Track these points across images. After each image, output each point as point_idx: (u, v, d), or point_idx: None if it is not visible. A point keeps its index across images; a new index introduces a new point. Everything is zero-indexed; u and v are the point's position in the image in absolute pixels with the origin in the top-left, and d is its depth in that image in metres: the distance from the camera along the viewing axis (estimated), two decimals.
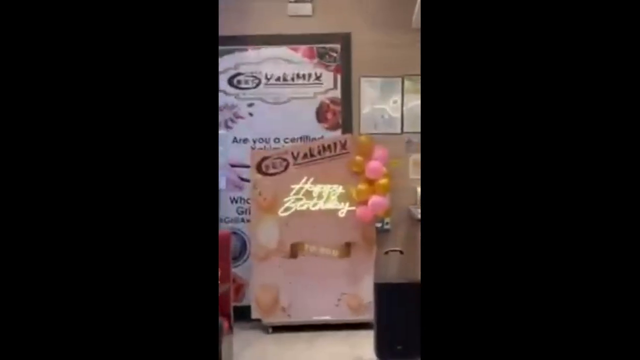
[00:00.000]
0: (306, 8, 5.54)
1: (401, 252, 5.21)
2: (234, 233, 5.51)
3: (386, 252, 5.15)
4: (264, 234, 5.27)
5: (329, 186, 5.26)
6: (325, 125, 5.60)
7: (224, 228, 5.45)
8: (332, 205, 5.26)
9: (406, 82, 5.52)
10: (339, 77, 5.57)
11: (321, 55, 5.58)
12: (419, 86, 5.34)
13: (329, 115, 5.60)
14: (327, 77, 5.58)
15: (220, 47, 5.49)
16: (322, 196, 5.25)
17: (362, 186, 5.18)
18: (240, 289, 5.53)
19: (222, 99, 5.56)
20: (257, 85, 5.59)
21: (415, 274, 4.96)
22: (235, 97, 5.58)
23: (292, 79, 5.58)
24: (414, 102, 5.49)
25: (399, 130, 5.55)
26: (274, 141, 5.58)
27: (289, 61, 5.58)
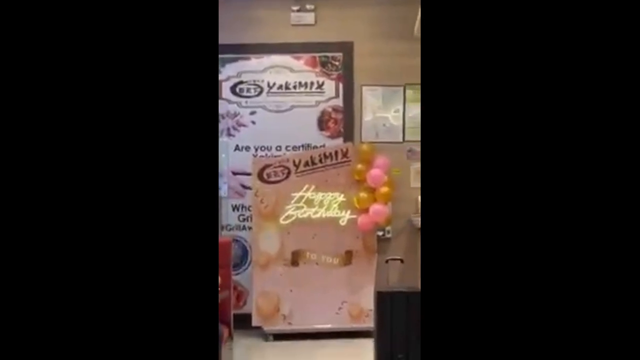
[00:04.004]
0: (309, 17, 5.56)
1: (402, 260, 5.22)
2: (235, 240, 5.51)
3: (387, 261, 5.16)
4: (265, 242, 5.28)
5: (330, 194, 5.27)
6: (327, 134, 5.62)
7: (225, 235, 5.46)
8: (333, 213, 5.27)
9: (408, 91, 5.54)
10: (340, 85, 5.59)
11: (323, 64, 5.60)
12: (420, 95, 5.35)
13: (331, 124, 5.62)
14: (329, 85, 5.60)
15: (223, 56, 5.53)
16: (323, 204, 5.26)
17: (363, 194, 5.20)
18: (241, 296, 5.53)
19: (225, 107, 5.58)
20: (260, 93, 5.61)
21: (415, 282, 4.96)
22: (238, 105, 5.60)
23: (294, 88, 5.60)
24: (416, 111, 5.51)
25: (400, 139, 5.56)
26: (276, 149, 5.59)
27: (291, 69, 5.61)
